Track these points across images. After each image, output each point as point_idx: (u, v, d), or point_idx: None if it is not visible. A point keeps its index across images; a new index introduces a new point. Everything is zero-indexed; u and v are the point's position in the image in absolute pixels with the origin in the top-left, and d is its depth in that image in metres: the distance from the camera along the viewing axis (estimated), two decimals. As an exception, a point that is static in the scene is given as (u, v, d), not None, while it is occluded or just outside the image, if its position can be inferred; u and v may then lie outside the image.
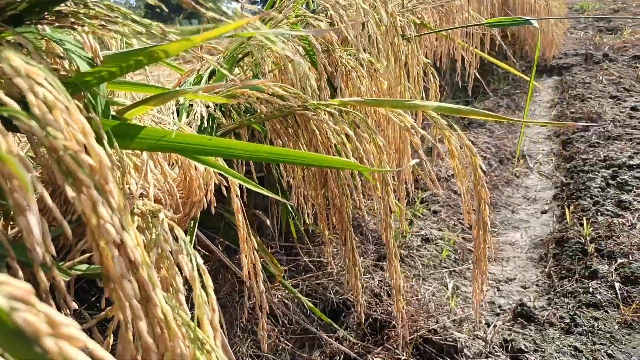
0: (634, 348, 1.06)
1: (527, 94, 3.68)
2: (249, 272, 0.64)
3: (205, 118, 0.70)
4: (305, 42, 0.78)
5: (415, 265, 1.51)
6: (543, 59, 4.45)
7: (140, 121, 0.60)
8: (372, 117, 0.84)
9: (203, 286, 0.42)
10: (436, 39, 1.62)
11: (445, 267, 1.54)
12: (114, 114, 0.52)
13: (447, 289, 1.38)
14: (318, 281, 1.29)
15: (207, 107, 0.73)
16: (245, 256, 0.62)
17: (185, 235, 0.63)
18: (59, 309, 0.57)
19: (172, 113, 0.74)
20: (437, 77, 1.23)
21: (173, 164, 0.63)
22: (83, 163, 0.33)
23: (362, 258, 1.45)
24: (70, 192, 0.32)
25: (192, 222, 0.61)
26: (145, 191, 0.51)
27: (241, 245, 0.58)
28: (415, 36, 0.99)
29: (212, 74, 0.91)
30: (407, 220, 1.79)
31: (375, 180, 0.66)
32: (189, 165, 0.54)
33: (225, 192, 0.64)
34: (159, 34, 0.47)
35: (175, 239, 0.48)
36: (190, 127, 0.69)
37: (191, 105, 0.77)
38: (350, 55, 0.84)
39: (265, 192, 0.49)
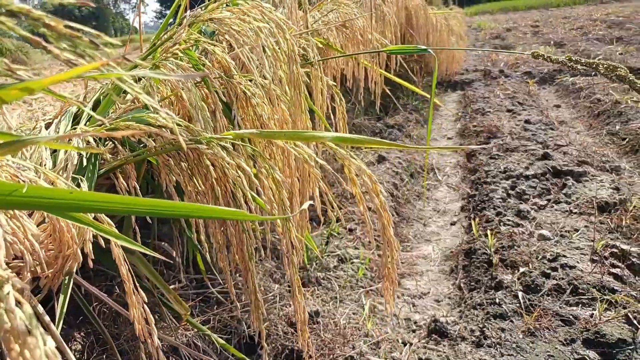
0: (537, 356, 1.11)
1: (435, 108, 3.86)
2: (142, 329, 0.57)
3: (85, 155, 0.63)
4: (199, 69, 0.73)
5: (332, 288, 1.50)
6: (447, 74, 4.73)
7: (-2, 165, 0.51)
8: (277, 145, 0.81)
9: None
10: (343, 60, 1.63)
11: (362, 287, 1.53)
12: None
13: (364, 309, 1.38)
14: (231, 314, 1.23)
15: (88, 142, 0.65)
16: (136, 309, 0.55)
17: (59, 292, 0.55)
18: None
19: (46, 149, 0.66)
20: (343, 99, 1.23)
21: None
22: None
23: (277, 285, 1.41)
24: None
25: (67, 277, 0.54)
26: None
27: (129, 301, 0.52)
28: (319, 60, 0.98)
29: (99, 102, 0.83)
30: (324, 240, 1.78)
31: (275, 214, 0.62)
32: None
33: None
34: (3, 70, 0.40)
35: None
36: (67, 166, 0.61)
37: (70, 140, 0.68)
38: (250, 81, 0.81)
39: (143, 250, 0.43)
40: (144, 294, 0.52)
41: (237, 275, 1.42)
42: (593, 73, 4.31)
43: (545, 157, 2.35)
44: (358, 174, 0.66)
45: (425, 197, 2.34)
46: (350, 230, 1.86)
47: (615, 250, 1.47)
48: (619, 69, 0.67)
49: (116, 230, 0.42)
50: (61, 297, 0.52)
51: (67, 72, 0.33)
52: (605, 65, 0.69)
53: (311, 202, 0.52)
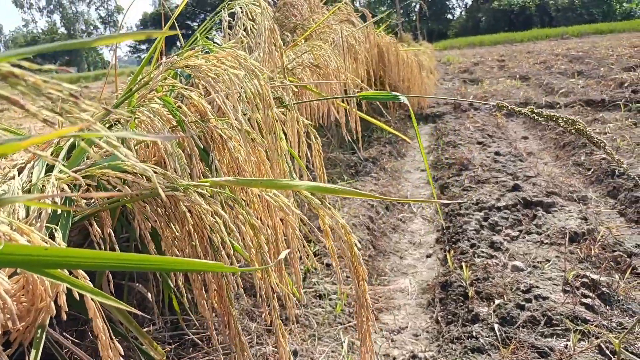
0: (515, 390, 1.12)
1: (406, 142, 3.93)
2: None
3: (59, 202, 0.63)
4: (176, 116, 0.74)
5: (310, 325, 1.48)
6: (419, 107, 4.85)
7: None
8: (253, 191, 0.82)
9: None
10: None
11: (340, 323, 1.52)
12: None
13: (343, 347, 1.37)
14: (208, 357, 1.20)
15: (62, 189, 0.65)
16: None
17: (31, 346, 0.54)
18: None
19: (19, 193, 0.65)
20: (319, 137, 1.25)
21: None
22: None
23: (255, 323, 1.39)
24: None
25: (40, 330, 0.53)
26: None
27: (102, 354, 0.50)
28: (294, 104, 1.01)
29: (74, 145, 0.82)
30: (301, 276, 1.77)
31: (253, 259, 0.63)
32: (31, 268, 0.47)
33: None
34: (-19, 128, 0.40)
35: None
36: (41, 214, 0.60)
37: (44, 185, 0.68)
38: (227, 125, 0.82)
39: (119, 305, 0.43)
40: (120, 347, 0.51)
41: (214, 315, 1.40)
42: (557, 106, 4.50)
43: (516, 188, 2.41)
44: (333, 227, 0.67)
45: (400, 229, 2.37)
46: (328, 265, 1.86)
47: (585, 280, 1.51)
48: (577, 123, 0.71)
49: (91, 285, 0.42)
50: (33, 351, 0.50)
51: (47, 135, 0.33)
52: (564, 119, 0.73)
53: (288, 250, 0.53)
